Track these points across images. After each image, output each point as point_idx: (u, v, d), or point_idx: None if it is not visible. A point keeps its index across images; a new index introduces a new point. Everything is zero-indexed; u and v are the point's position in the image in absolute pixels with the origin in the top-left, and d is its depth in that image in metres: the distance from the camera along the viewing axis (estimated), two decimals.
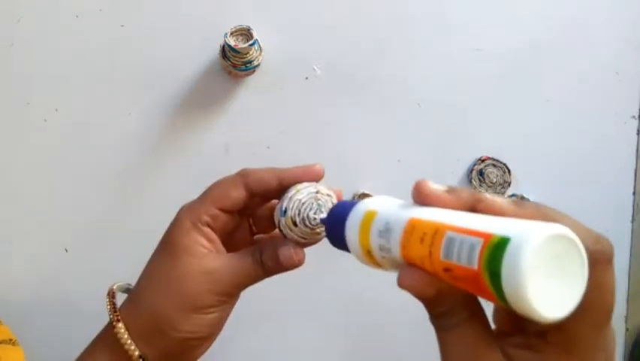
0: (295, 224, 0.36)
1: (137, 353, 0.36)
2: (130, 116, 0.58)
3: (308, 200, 0.36)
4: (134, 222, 0.58)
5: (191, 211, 0.38)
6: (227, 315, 0.40)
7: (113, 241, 0.58)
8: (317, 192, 0.36)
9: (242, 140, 0.58)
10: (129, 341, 0.37)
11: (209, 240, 0.37)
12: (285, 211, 0.36)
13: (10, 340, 0.51)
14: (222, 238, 0.39)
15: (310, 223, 0.36)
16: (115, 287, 0.40)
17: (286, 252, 0.36)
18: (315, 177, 0.37)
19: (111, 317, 0.38)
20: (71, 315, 0.58)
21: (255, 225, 0.42)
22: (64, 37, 0.57)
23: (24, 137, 0.57)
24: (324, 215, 0.35)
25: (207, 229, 0.37)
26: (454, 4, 0.60)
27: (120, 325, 0.37)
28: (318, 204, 0.36)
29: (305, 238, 0.36)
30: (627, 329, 0.61)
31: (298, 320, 0.59)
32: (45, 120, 0.57)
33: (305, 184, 0.37)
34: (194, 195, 0.57)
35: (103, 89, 0.58)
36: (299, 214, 0.35)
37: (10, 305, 0.56)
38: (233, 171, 0.58)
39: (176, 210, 0.50)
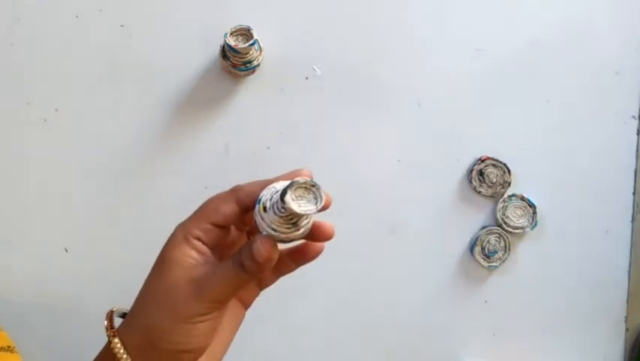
0: (265, 209, 0.32)
1: None
2: (130, 116, 0.58)
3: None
4: (134, 222, 0.58)
5: (183, 226, 0.38)
6: (225, 326, 0.40)
7: (113, 241, 0.58)
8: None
9: (242, 140, 0.58)
10: (125, 356, 0.37)
11: (200, 252, 0.37)
12: (260, 200, 0.33)
13: (9, 347, 0.50)
14: (218, 251, 0.39)
15: (280, 210, 0.32)
16: (115, 310, 0.41)
17: (255, 246, 0.34)
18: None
19: (108, 334, 0.38)
20: (71, 315, 0.58)
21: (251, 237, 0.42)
22: (64, 37, 0.57)
23: (24, 137, 0.57)
24: (307, 207, 0.31)
25: (197, 242, 0.37)
26: (454, 4, 0.60)
27: (116, 340, 0.37)
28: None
29: (276, 230, 0.32)
30: (627, 329, 0.61)
31: (304, 321, 0.59)
32: (45, 120, 0.57)
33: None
34: (194, 195, 0.57)
35: (103, 89, 0.58)
36: (271, 199, 0.32)
37: (10, 305, 0.56)
38: (233, 170, 0.58)
39: (176, 209, 0.49)
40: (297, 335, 0.59)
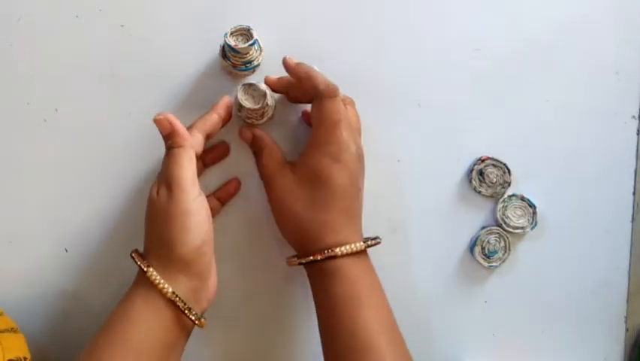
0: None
1: (170, 289, 0.44)
2: (130, 116, 0.58)
3: None
4: (134, 222, 0.58)
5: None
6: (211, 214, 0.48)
7: (113, 241, 0.58)
8: None
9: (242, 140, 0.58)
10: (162, 281, 0.44)
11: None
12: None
13: (12, 328, 0.51)
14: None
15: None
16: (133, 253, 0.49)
17: None
18: None
19: (141, 265, 0.45)
20: (71, 315, 0.58)
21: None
22: (64, 37, 0.57)
23: (24, 137, 0.57)
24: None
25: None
26: (454, 4, 0.60)
27: (151, 269, 0.44)
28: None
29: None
30: (627, 329, 0.61)
31: (297, 321, 0.59)
32: (45, 120, 0.57)
33: None
34: None
35: (103, 89, 0.58)
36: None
37: (10, 306, 0.56)
38: (233, 172, 0.58)
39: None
40: (294, 334, 0.59)
